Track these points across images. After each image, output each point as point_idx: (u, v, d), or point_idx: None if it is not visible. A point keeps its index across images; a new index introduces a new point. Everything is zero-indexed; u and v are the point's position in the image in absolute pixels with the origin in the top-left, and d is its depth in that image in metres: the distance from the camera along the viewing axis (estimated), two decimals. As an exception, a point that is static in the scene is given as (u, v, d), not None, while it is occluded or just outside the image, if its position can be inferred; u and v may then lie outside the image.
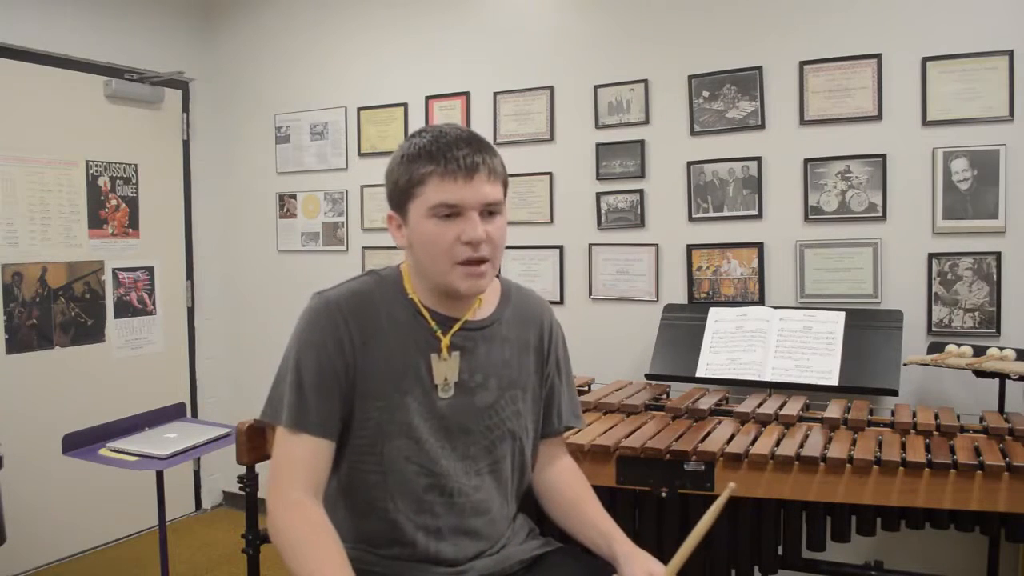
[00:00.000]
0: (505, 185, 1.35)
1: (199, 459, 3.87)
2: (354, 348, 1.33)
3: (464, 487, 1.38)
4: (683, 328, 2.68)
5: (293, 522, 1.24)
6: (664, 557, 1.34)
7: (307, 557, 1.21)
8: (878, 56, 2.61)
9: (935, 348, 2.36)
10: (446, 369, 1.37)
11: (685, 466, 1.86)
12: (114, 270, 3.57)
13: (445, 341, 1.37)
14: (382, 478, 1.35)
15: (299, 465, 1.29)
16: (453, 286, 1.32)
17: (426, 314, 1.38)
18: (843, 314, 2.49)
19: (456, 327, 1.39)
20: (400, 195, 1.33)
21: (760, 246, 2.80)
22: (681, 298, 2.93)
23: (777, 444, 1.89)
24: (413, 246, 1.34)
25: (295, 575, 1.21)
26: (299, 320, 1.37)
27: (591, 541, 1.43)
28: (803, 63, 2.72)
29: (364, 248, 3.59)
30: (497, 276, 1.48)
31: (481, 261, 1.30)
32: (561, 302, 3.14)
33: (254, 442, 2.20)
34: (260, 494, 2.21)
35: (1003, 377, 2.21)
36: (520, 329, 1.48)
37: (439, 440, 1.36)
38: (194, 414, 3.88)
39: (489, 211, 1.31)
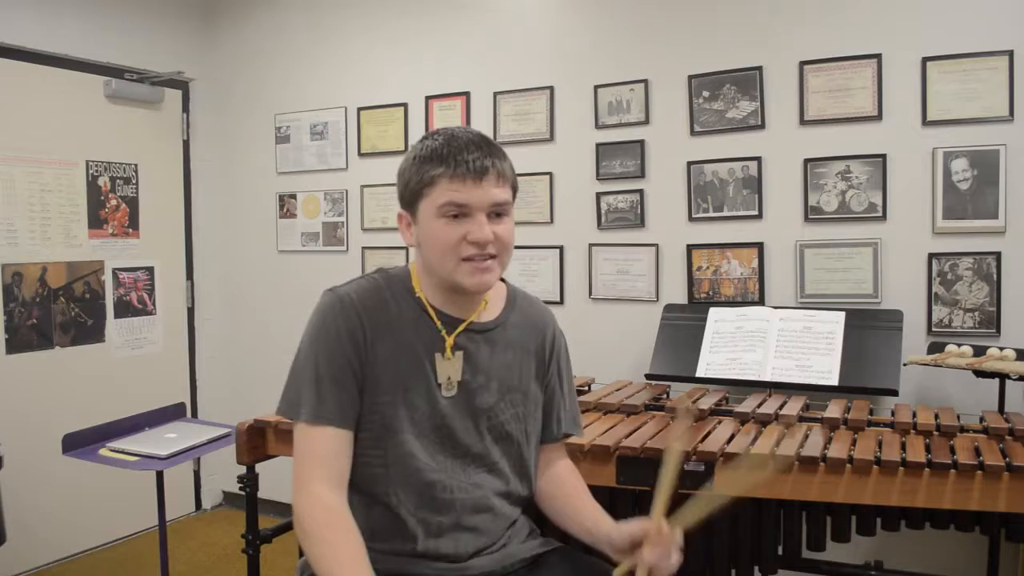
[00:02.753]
0: (515, 188, 1.39)
1: (199, 459, 3.87)
2: (366, 342, 1.36)
3: (463, 484, 1.39)
4: (683, 328, 2.68)
5: (314, 517, 1.27)
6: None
7: (324, 556, 1.23)
8: (878, 56, 2.61)
9: (935, 348, 2.36)
10: (450, 368, 1.39)
11: (685, 466, 1.86)
12: (114, 270, 3.57)
13: (449, 341, 1.40)
14: (385, 471, 1.36)
15: (320, 458, 1.31)
16: (459, 282, 1.34)
17: (432, 313, 1.40)
18: (843, 314, 2.49)
19: (461, 327, 1.41)
20: (411, 195, 1.36)
21: (760, 246, 2.80)
22: (681, 298, 2.93)
23: (777, 444, 1.89)
24: (421, 244, 1.38)
25: (315, 572, 1.24)
26: (312, 316, 1.40)
27: (583, 529, 1.43)
28: (803, 63, 2.72)
29: (364, 248, 3.59)
30: (504, 281, 1.51)
31: (488, 257, 1.33)
32: (561, 302, 3.14)
33: (254, 442, 2.21)
34: (260, 494, 2.23)
35: (1003, 377, 2.21)
36: (523, 334, 1.50)
37: (440, 437, 1.39)
38: (194, 414, 3.88)
39: (496, 212, 1.34)
